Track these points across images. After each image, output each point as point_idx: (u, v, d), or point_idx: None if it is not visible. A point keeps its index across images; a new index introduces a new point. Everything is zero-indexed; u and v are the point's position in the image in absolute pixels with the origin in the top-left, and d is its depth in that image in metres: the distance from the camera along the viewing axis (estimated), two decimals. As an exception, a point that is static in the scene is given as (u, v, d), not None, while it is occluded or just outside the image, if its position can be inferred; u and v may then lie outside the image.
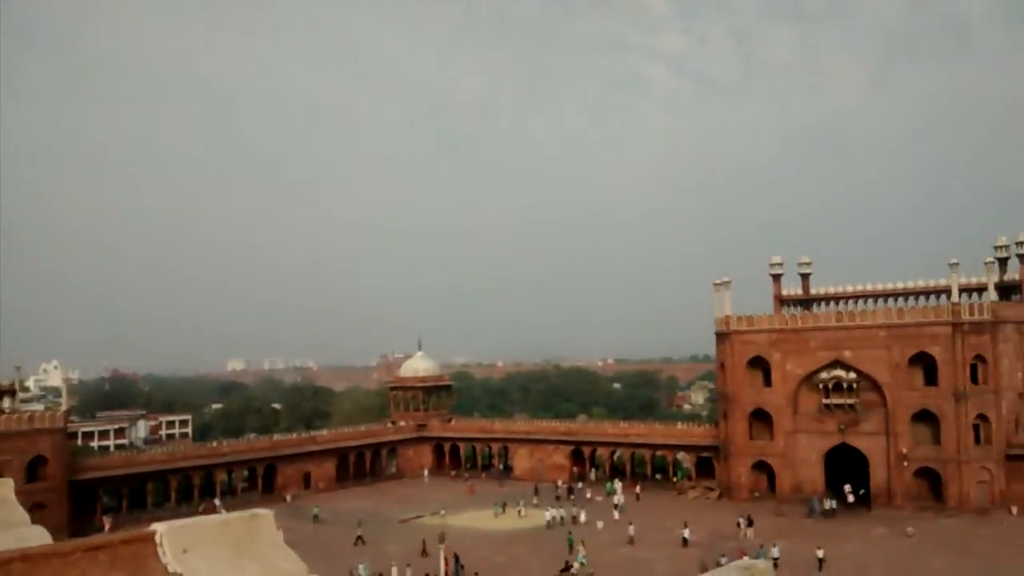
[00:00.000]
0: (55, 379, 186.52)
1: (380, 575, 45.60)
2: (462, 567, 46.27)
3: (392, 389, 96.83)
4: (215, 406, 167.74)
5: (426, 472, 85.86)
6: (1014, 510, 58.81)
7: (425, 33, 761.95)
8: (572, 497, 69.98)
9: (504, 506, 65.54)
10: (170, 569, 2.44)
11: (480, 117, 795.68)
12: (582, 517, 60.26)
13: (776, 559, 46.05)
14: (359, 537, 55.15)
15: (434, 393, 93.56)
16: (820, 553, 46.10)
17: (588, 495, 70.65)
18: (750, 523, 55.96)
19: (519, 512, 64.40)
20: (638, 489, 71.85)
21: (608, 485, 72.19)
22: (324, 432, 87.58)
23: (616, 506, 64.07)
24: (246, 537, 2.79)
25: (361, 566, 45.99)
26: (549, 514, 61.65)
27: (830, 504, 60.70)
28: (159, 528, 2.66)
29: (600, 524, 58.63)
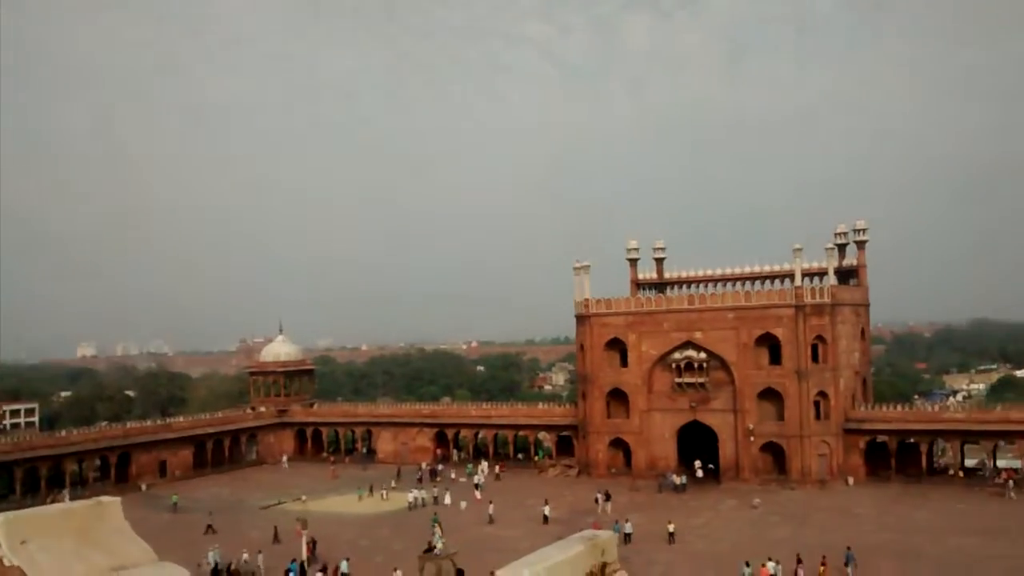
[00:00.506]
0: None
1: (230, 565, 44.70)
2: (313, 553, 46.04)
3: (252, 374, 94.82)
4: (64, 394, 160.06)
5: (284, 458, 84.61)
6: (850, 481, 62.84)
7: (287, 17, 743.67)
8: (437, 479, 70.55)
9: (371, 489, 65.42)
10: (6, 562, 2.44)
11: (348, 103, 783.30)
12: (447, 499, 60.88)
13: (629, 533, 47.88)
14: (209, 526, 54.01)
15: (296, 378, 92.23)
16: (671, 527, 47.99)
17: (453, 476, 71.38)
18: (608, 498, 57.93)
19: (382, 495, 64.52)
20: (498, 469, 73.11)
21: (468, 467, 73.14)
22: (180, 419, 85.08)
23: (477, 486, 65.08)
24: (91, 525, 2.80)
25: (211, 553, 45.18)
26: (412, 496, 62.06)
27: (681, 479, 63.30)
28: None
29: (463, 504, 59.43)
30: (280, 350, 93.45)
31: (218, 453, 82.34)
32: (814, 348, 64.57)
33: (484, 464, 73.54)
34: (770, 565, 39.96)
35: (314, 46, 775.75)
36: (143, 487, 72.66)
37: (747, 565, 40.14)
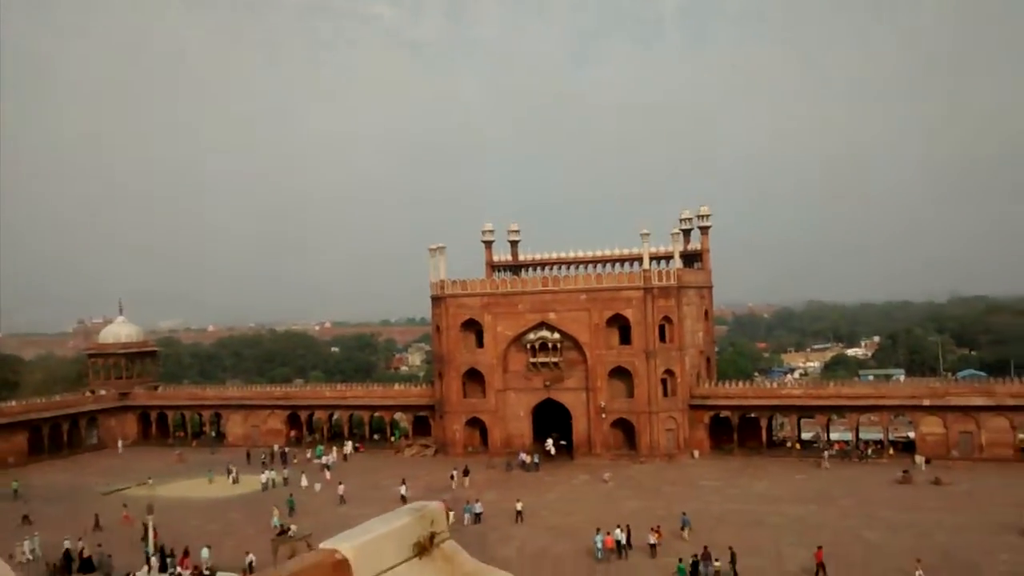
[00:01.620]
0: None
1: (51, 564, 42.54)
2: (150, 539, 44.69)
3: (91, 356, 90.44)
4: None
5: (120, 443, 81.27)
6: (696, 454, 65.57)
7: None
8: (294, 461, 69.21)
9: (228, 472, 63.70)
10: None
11: (189, 78, 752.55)
12: (303, 481, 59.95)
13: (479, 513, 48.43)
14: (25, 516, 51.30)
15: (138, 360, 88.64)
16: (519, 506, 48.65)
17: (308, 457, 70.31)
18: (466, 473, 58.88)
19: (232, 479, 62.97)
20: (354, 449, 72.64)
21: (318, 448, 72.30)
22: (13, 403, 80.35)
23: (326, 467, 64.51)
24: None
25: (27, 542, 43.22)
26: (264, 477, 60.96)
27: (533, 458, 64.16)
28: None
29: (317, 486, 58.78)
30: (120, 331, 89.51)
31: (56, 438, 78.37)
32: (661, 328, 66.86)
33: (342, 445, 72.98)
34: (616, 532, 41.63)
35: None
36: (-29, 476, 68.36)
37: (597, 532, 41.67)
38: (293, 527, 44.17)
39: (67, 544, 43.31)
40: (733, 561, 37.64)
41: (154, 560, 40.93)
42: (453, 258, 73.28)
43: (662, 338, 66.73)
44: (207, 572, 40.25)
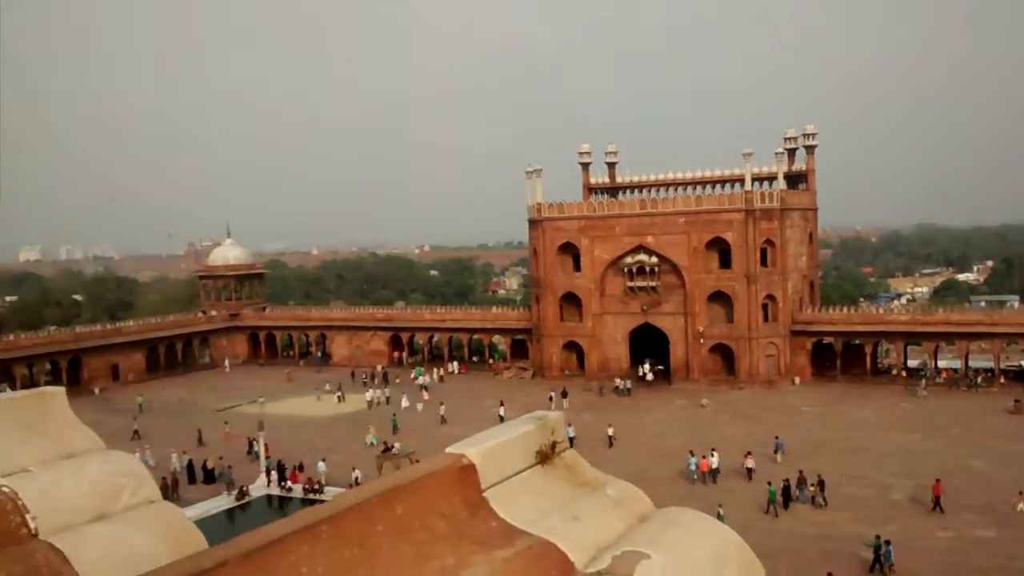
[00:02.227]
0: None
1: (172, 473, 44.90)
2: (257, 452, 46.92)
3: (202, 278, 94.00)
4: (8, 299, 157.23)
5: (227, 362, 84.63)
6: (796, 380, 64.73)
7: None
8: (396, 381, 71.09)
9: (338, 391, 66.12)
10: None
11: (298, 14, 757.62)
12: (403, 401, 61.62)
13: (572, 437, 48.88)
14: (135, 431, 53.89)
15: (246, 282, 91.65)
16: (610, 431, 48.89)
17: (412, 377, 71.93)
18: (564, 395, 59.92)
19: (338, 397, 65.12)
20: (442, 371, 74.22)
21: (416, 369, 73.97)
22: (131, 323, 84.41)
23: (424, 388, 66.23)
24: (35, 416, 2.78)
25: (138, 454, 45.68)
26: (369, 395, 63.04)
27: (626, 384, 63.96)
28: None
29: (419, 406, 60.30)
30: (229, 254, 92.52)
31: (170, 357, 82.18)
32: (763, 252, 65.57)
33: (440, 367, 74.63)
34: (712, 456, 41.79)
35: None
36: (96, 391, 72.47)
37: (691, 455, 42.05)
38: (397, 445, 45.51)
39: (173, 458, 45.64)
40: (821, 487, 37.41)
41: (274, 474, 43.03)
42: (550, 180, 73.04)
43: (763, 262, 65.48)
44: (318, 486, 41.98)
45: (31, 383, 72.16)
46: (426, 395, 63.46)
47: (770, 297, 65.63)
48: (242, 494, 41.80)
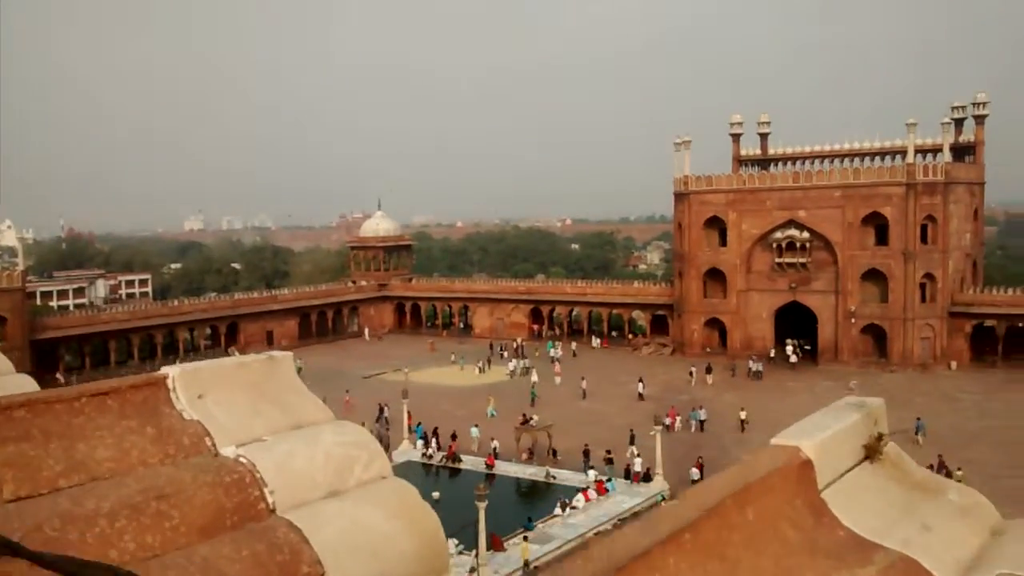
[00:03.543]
0: (9, 239, 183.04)
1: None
2: (387, 419, 48.71)
3: (352, 249, 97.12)
4: (174, 266, 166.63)
5: (367, 332, 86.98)
6: (953, 365, 61.62)
7: None
8: (535, 354, 71.56)
9: (485, 363, 67.61)
10: (185, 416, 2.42)
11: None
12: (533, 376, 62.01)
13: (703, 420, 48.02)
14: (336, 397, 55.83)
15: (394, 253, 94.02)
16: (743, 414, 47.73)
17: (549, 352, 72.32)
18: (708, 371, 59.62)
19: (479, 369, 66.19)
20: (575, 346, 74.19)
21: (548, 344, 74.19)
22: (285, 291, 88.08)
23: (556, 360, 66.95)
24: (264, 381, 2.69)
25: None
26: (512, 366, 64.57)
27: (758, 366, 62.01)
28: (171, 372, 2.61)
29: (558, 380, 60.56)
30: (379, 226, 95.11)
31: (321, 324, 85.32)
32: (923, 228, 62.49)
33: (573, 340, 75.04)
34: None
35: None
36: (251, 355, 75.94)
37: None
38: (535, 417, 45.88)
39: None
40: (941, 471, 35.67)
41: (419, 443, 44.63)
42: (697, 153, 71.63)
43: (923, 239, 62.39)
44: (457, 455, 42.89)
45: (192, 347, 76.53)
46: (558, 368, 63.84)
47: (928, 276, 62.54)
48: (387, 459, 43.11)
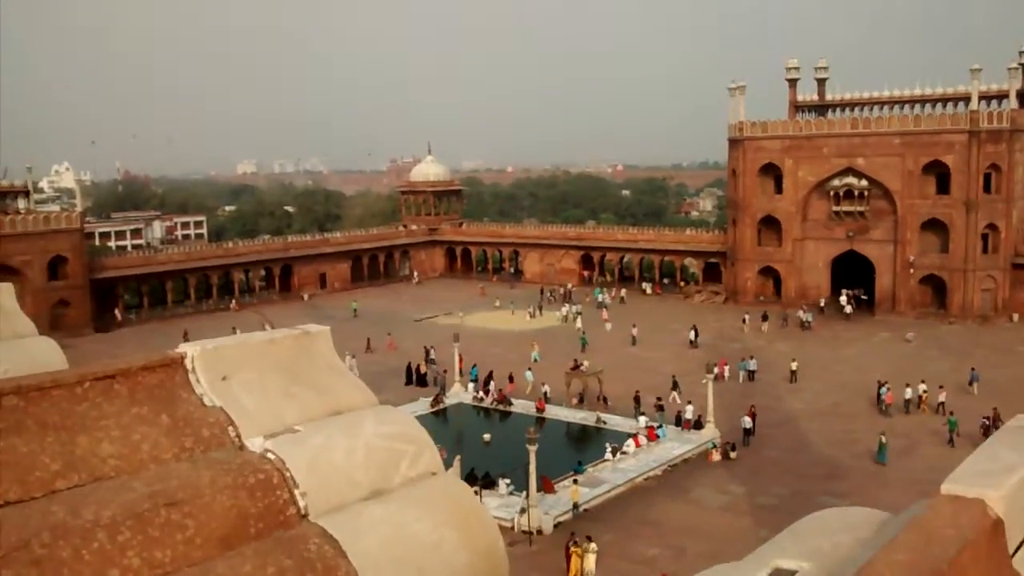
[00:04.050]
0: (67, 180, 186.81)
1: (418, 367, 48.99)
2: (433, 361, 49.65)
3: (403, 193, 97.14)
4: (228, 208, 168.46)
5: (415, 276, 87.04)
6: (1015, 318, 60.09)
7: None
8: (586, 300, 71.13)
9: (536, 308, 67.78)
10: (206, 402, 2.01)
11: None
12: (578, 323, 61.73)
13: (753, 371, 47.38)
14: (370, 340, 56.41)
15: (444, 198, 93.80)
16: (793, 365, 47.01)
17: (602, 297, 71.77)
18: (765, 318, 59.54)
19: (529, 314, 66.12)
20: (623, 293, 73.52)
21: (596, 290, 73.63)
22: (337, 234, 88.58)
23: (603, 306, 67.06)
24: (298, 360, 2.27)
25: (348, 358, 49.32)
26: (564, 311, 65.00)
27: (807, 316, 60.84)
28: (190, 351, 2.14)
29: (608, 326, 60.29)
30: (429, 170, 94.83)
31: (373, 268, 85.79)
32: (987, 177, 60.53)
33: (621, 287, 74.65)
34: (907, 390, 41.30)
35: None
36: (305, 297, 76.86)
37: (881, 386, 41.86)
38: (585, 363, 45.79)
39: (347, 359, 48.00)
40: (995, 423, 35.47)
41: (471, 386, 45.22)
42: (752, 99, 69.90)
43: (987, 188, 60.48)
44: (508, 398, 43.09)
45: (247, 288, 77.53)
46: (606, 315, 63.55)
47: (991, 227, 60.75)
48: (437, 401, 43.48)
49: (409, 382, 48.07)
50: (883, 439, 35.02)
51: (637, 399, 41.02)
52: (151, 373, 2.48)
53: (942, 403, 40.12)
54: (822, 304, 64.11)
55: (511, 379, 45.70)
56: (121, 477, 2.12)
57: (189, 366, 2.63)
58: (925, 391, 41.14)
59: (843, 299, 64.19)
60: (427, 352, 50.99)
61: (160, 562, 1.96)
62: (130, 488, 2.05)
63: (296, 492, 2.29)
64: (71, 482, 2.04)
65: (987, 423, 35.88)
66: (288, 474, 2.31)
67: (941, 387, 41.19)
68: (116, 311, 67.82)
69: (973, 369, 44.34)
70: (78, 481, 2.05)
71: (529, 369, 46.73)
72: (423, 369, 48.75)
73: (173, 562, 1.98)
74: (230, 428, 2.43)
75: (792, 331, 59.23)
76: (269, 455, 2.35)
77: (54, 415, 2.15)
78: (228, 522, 2.11)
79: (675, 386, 43.37)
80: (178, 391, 2.50)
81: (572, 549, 25.67)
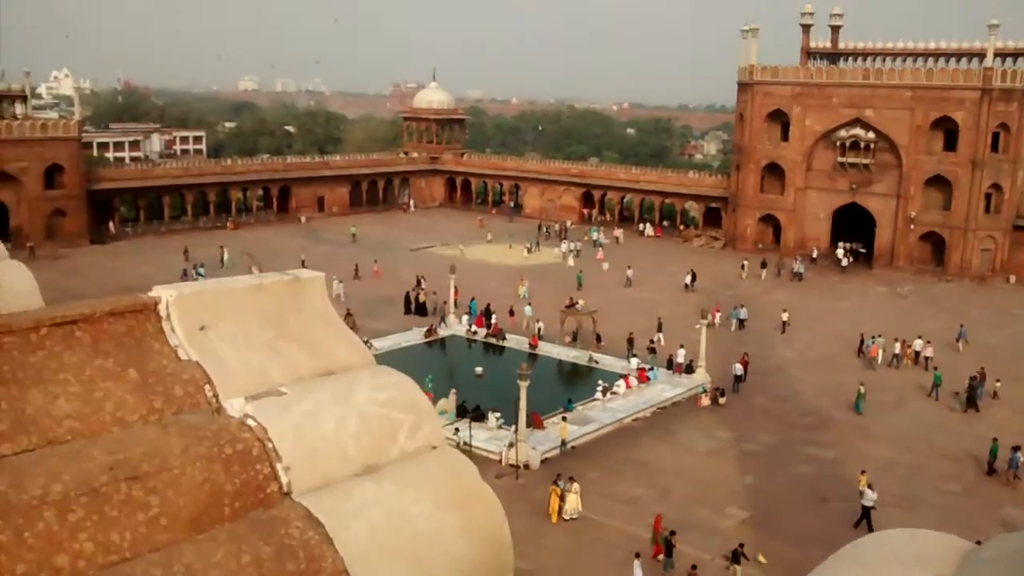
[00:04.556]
0: (66, 88, 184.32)
1: (418, 296, 48.95)
2: (423, 289, 49.99)
3: (406, 119, 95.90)
4: (228, 125, 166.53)
5: (412, 204, 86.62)
6: (1012, 279, 60.01)
7: None
8: (584, 239, 70.74)
9: (535, 243, 67.62)
10: (181, 355, 1.72)
11: None
12: (570, 261, 61.79)
13: (743, 320, 47.19)
14: (302, 260, 55.80)
15: (447, 126, 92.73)
16: (784, 316, 46.78)
17: (597, 236, 71.53)
18: (764, 265, 59.78)
19: (527, 249, 65.83)
20: (619, 233, 73.08)
21: (591, 229, 73.27)
22: (337, 158, 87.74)
23: (597, 245, 67.19)
24: (287, 310, 1.95)
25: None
26: (566, 246, 65.00)
27: (799, 267, 60.43)
28: (164, 295, 1.83)
29: (605, 266, 60.09)
30: (432, 97, 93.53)
31: (372, 194, 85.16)
32: (995, 136, 59.89)
33: (616, 228, 74.43)
34: (879, 340, 41.80)
35: None
36: (302, 219, 76.42)
37: (870, 340, 42.21)
38: (581, 301, 45.73)
39: (335, 285, 48.12)
40: (981, 382, 36.57)
41: (464, 319, 45.18)
42: (765, 44, 68.69)
43: (994, 147, 59.89)
44: (500, 332, 43.12)
45: (245, 207, 77.01)
46: (601, 254, 63.40)
47: (995, 187, 60.32)
48: (431, 332, 43.49)
49: (408, 311, 48.11)
50: (861, 389, 35.51)
51: (631, 341, 41.00)
52: (119, 319, 2.17)
53: (928, 358, 40.46)
54: (815, 255, 63.92)
55: (511, 313, 45.84)
56: (78, 442, 1.84)
57: (163, 312, 2.31)
58: (921, 347, 41.23)
59: (840, 252, 63.97)
60: (418, 281, 51.32)
61: (117, 547, 1.70)
62: (87, 456, 1.78)
63: (279, 466, 2.03)
64: (18, 446, 1.75)
65: (974, 381, 36.21)
66: (270, 445, 2.04)
67: (928, 342, 41.52)
68: (110, 223, 67.45)
69: (962, 326, 44.88)
70: (27, 445, 1.77)
71: (529, 304, 46.65)
72: (422, 298, 48.71)
73: (132, 547, 1.71)
74: (207, 387, 2.12)
75: (787, 281, 59.17)
76: (249, 421, 2.06)
77: (3, 365, 1.86)
78: (199, 500, 1.84)
79: (659, 328, 43.54)
80: (150, 341, 2.20)
81: (551, 488, 25.84)
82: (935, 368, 38.29)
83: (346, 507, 2.01)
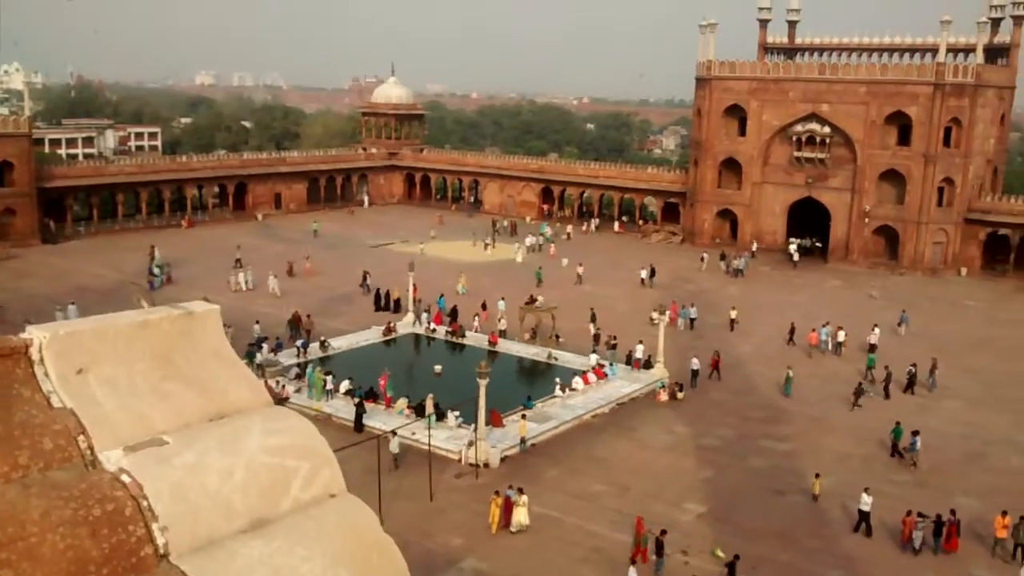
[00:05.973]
0: (16, 82, 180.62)
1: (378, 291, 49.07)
2: (368, 287, 50.88)
3: (364, 115, 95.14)
4: (184, 120, 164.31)
5: (366, 200, 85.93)
6: (963, 272, 61.02)
7: None
8: (543, 232, 70.79)
9: (491, 240, 67.55)
10: (54, 402, 1.57)
11: None
12: (518, 257, 61.95)
13: (694, 319, 47.15)
14: (238, 260, 54.30)
15: (406, 122, 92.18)
16: (733, 314, 46.83)
17: (547, 231, 71.46)
18: (723, 257, 60.69)
19: (485, 245, 65.70)
20: (569, 229, 73.22)
21: (542, 225, 73.52)
22: (295, 154, 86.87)
23: (548, 241, 67.55)
24: (177, 347, 1.75)
25: (242, 274, 51.49)
26: (530, 240, 65.84)
27: (739, 262, 60.20)
28: (38, 336, 2.07)
29: (564, 261, 60.09)
30: (391, 92, 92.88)
31: (330, 190, 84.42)
32: (947, 131, 60.86)
33: (567, 224, 74.91)
34: (822, 330, 43.20)
35: None
36: (259, 217, 75.61)
37: (818, 329, 43.40)
38: (540, 298, 45.74)
39: (270, 281, 50.10)
40: (932, 373, 37.55)
41: (424, 316, 44.94)
42: (724, 39, 69.14)
43: (946, 142, 60.86)
44: (460, 330, 42.99)
45: (200, 205, 76.03)
46: (553, 250, 63.63)
47: (947, 180, 61.29)
48: (389, 330, 43.24)
49: (379, 308, 47.89)
50: (790, 373, 36.74)
51: (596, 337, 41.28)
52: (-17, 363, 1.93)
53: (873, 344, 41.26)
54: (754, 250, 64.50)
55: (484, 307, 45.88)
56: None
57: (36, 356, 2.10)
58: (876, 339, 41.71)
59: (792, 247, 64.34)
60: (364, 277, 51.89)
61: None
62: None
63: (154, 526, 1.85)
64: None
65: (912, 371, 37.26)
66: (146, 503, 1.87)
67: (875, 326, 42.93)
68: (62, 223, 66.23)
69: (904, 311, 46.54)
70: None
71: (502, 299, 46.10)
72: (395, 295, 48.32)
73: (-22, 631, 1.51)
74: (80, 438, 1.94)
75: (745, 276, 59.40)
76: (124, 477, 1.90)
77: None
78: (60, 570, 1.66)
79: (592, 319, 44.03)
80: (19, 388, 1.99)
81: (492, 498, 25.35)
82: (871, 349, 40.22)
83: (228, 569, 1.85)
